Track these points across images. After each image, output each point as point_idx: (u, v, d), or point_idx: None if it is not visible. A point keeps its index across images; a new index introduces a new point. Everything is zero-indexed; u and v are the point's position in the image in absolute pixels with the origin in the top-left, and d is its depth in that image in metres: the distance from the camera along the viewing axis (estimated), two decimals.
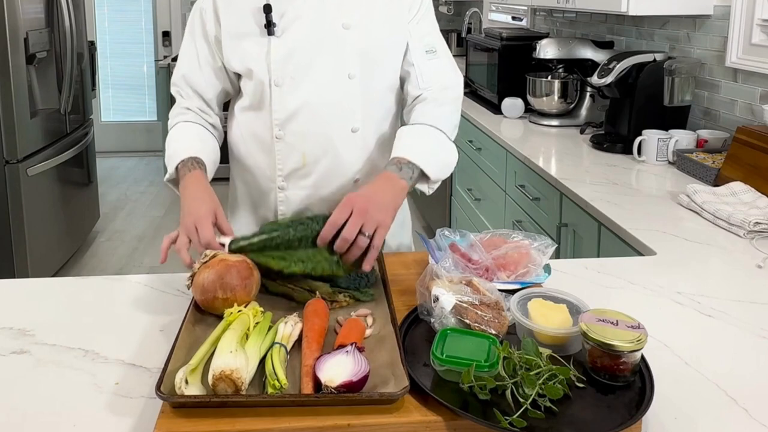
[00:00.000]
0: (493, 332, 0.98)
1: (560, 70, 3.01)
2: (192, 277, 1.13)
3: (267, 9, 1.37)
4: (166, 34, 6.25)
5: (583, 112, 3.01)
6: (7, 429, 0.88)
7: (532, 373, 0.87)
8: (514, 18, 4.32)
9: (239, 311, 1.02)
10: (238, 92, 1.51)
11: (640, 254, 1.58)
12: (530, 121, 3.07)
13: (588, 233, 1.96)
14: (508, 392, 0.86)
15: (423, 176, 1.36)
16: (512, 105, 3.17)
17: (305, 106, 1.40)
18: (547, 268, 1.22)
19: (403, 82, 1.50)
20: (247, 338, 0.97)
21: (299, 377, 0.92)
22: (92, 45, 4.43)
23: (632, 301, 1.27)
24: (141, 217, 4.81)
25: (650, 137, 2.29)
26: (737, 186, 1.85)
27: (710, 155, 2.15)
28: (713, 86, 2.40)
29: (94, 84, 4.41)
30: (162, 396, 0.85)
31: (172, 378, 0.89)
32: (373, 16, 1.42)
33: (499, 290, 1.08)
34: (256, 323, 1.00)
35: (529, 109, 3.13)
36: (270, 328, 1.01)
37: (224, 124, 1.54)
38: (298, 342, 1.00)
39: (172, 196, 5.20)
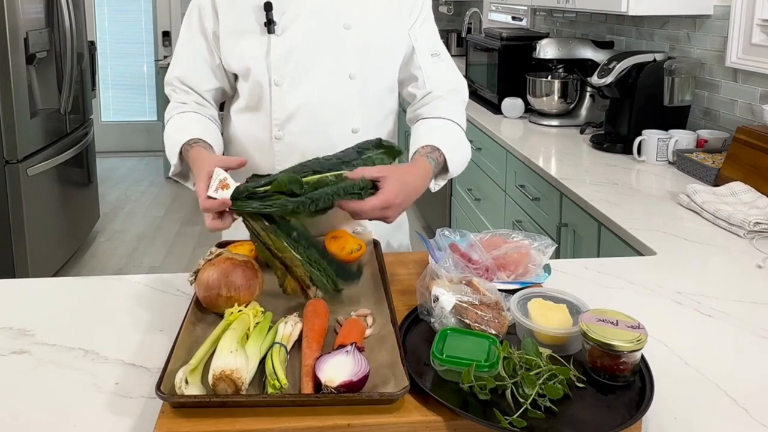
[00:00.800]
0: (493, 332, 0.98)
1: (560, 70, 3.01)
2: (195, 273, 1.13)
3: (267, 7, 1.36)
4: (166, 34, 6.25)
5: (583, 112, 3.01)
6: (7, 429, 0.88)
7: (532, 373, 0.87)
8: (514, 18, 4.32)
9: (240, 311, 1.02)
10: (235, 93, 1.49)
11: (640, 254, 1.58)
12: (530, 121, 3.07)
13: (588, 233, 1.96)
14: (508, 392, 0.86)
15: (443, 169, 1.39)
16: (512, 105, 3.17)
17: (305, 106, 1.39)
18: (547, 268, 1.22)
19: (406, 84, 1.50)
20: (247, 338, 0.97)
21: (299, 377, 0.92)
22: (92, 45, 4.43)
23: (632, 301, 1.27)
24: (141, 217, 4.81)
25: (650, 137, 2.29)
26: (737, 186, 1.85)
27: (710, 155, 2.15)
28: (713, 86, 2.40)
29: (94, 84, 4.41)
30: (162, 396, 0.85)
31: (172, 378, 0.89)
32: (374, 17, 1.42)
33: (499, 290, 1.08)
34: (257, 323, 1.00)
35: (529, 109, 3.13)
36: (270, 328, 1.01)
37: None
38: (298, 342, 1.00)
39: (172, 196, 5.21)
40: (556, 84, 2.98)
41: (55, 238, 3.64)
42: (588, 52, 2.92)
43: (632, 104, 2.49)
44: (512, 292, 1.08)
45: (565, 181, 2.11)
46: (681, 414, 0.92)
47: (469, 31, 4.77)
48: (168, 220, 4.76)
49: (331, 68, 1.39)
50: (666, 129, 2.35)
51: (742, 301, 1.28)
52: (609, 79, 2.45)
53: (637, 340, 0.91)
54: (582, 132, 2.79)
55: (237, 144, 1.49)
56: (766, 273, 1.42)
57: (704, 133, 2.29)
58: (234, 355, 0.89)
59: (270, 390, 0.88)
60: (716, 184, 1.93)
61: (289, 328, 1.01)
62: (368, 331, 1.04)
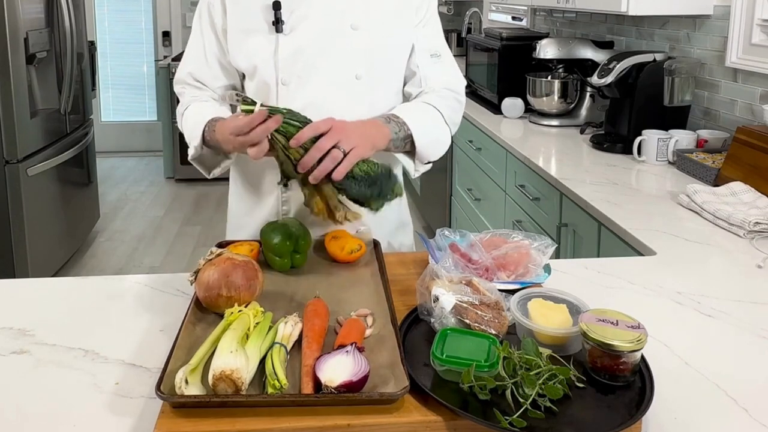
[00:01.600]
0: (493, 332, 0.98)
1: (560, 70, 3.01)
2: (196, 273, 1.13)
3: (276, 6, 1.37)
4: (166, 34, 6.25)
5: (583, 112, 3.01)
6: (7, 429, 0.88)
7: (532, 373, 0.87)
8: (514, 18, 4.32)
9: (240, 311, 1.02)
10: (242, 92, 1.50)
11: (640, 254, 1.58)
12: (530, 121, 3.07)
13: (588, 233, 1.96)
14: (508, 392, 0.86)
15: (411, 146, 1.37)
16: (512, 105, 3.17)
17: (312, 106, 1.38)
18: (547, 268, 1.22)
19: (405, 82, 1.50)
20: (247, 338, 0.97)
21: (299, 377, 0.92)
22: (92, 45, 4.43)
23: (632, 301, 1.27)
24: (141, 217, 4.81)
25: (650, 137, 2.29)
26: (737, 186, 1.85)
27: (710, 155, 2.15)
28: (713, 86, 2.40)
29: (94, 84, 4.41)
30: (162, 396, 0.85)
31: (172, 378, 0.89)
32: (382, 18, 1.42)
33: (499, 290, 1.08)
34: (257, 323, 1.00)
35: (529, 109, 3.13)
36: (270, 328, 1.01)
37: None
38: (298, 342, 1.00)
39: (172, 196, 5.21)
40: (556, 84, 2.98)
41: (55, 238, 3.64)
42: (588, 52, 2.92)
43: (632, 104, 2.49)
44: (512, 292, 1.08)
45: (565, 181, 2.11)
46: (681, 414, 0.92)
47: (469, 31, 4.77)
48: (168, 220, 4.76)
49: (338, 69, 1.39)
50: (666, 129, 2.35)
51: (742, 301, 1.28)
52: (609, 79, 2.45)
53: (637, 340, 0.91)
54: (582, 132, 2.79)
55: None
56: (766, 273, 1.42)
57: (704, 133, 2.29)
58: (234, 355, 0.89)
59: (270, 390, 0.88)
60: (716, 184, 1.93)
61: (289, 328, 1.01)
62: (368, 331, 1.04)
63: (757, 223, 1.61)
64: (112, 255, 4.15)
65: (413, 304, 1.11)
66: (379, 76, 1.44)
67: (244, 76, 1.47)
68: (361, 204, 1.22)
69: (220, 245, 1.30)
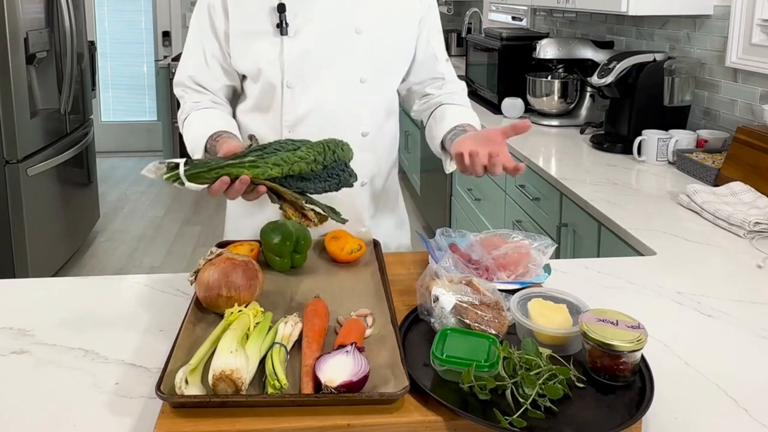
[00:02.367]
0: (493, 332, 0.98)
1: (560, 70, 3.01)
2: (196, 273, 1.13)
3: (281, 8, 1.36)
4: (166, 34, 6.25)
5: (583, 112, 3.01)
6: (7, 429, 0.88)
7: (532, 373, 0.87)
8: (514, 18, 4.31)
9: (240, 311, 1.02)
10: (242, 93, 1.50)
11: (640, 254, 1.58)
12: (530, 121, 3.07)
13: (588, 233, 1.96)
14: (508, 392, 0.86)
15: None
16: (512, 105, 3.17)
17: (316, 109, 1.39)
18: (547, 268, 1.22)
19: (425, 86, 1.54)
20: (247, 338, 0.97)
21: (299, 377, 0.92)
22: (92, 45, 4.43)
23: (632, 301, 1.27)
24: (141, 217, 4.81)
25: (650, 137, 2.29)
26: (737, 186, 1.85)
27: (710, 155, 2.15)
28: (713, 86, 2.40)
29: (94, 84, 4.41)
30: (162, 396, 0.85)
31: (172, 378, 0.89)
32: (385, 22, 1.43)
33: (499, 290, 1.08)
34: (256, 323, 1.00)
35: (529, 109, 3.13)
36: (270, 328, 1.01)
37: None
38: (298, 342, 1.00)
39: (172, 196, 5.21)
40: (556, 84, 2.98)
41: (55, 238, 3.64)
42: (588, 52, 2.92)
43: (632, 104, 2.49)
44: (512, 292, 1.08)
45: (565, 181, 2.11)
46: (681, 414, 0.92)
47: (469, 31, 4.77)
48: (168, 220, 4.76)
49: (342, 72, 1.40)
50: (666, 129, 2.35)
51: (742, 301, 1.28)
52: (609, 79, 2.45)
53: (637, 340, 0.91)
54: (582, 132, 2.79)
55: None
56: (766, 273, 1.42)
57: (704, 133, 2.29)
58: (234, 355, 0.89)
59: (270, 390, 0.88)
60: (716, 184, 1.93)
61: (289, 328, 1.01)
62: (368, 331, 1.04)
63: (757, 223, 1.61)
64: (112, 255, 4.15)
65: (413, 304, 1.11)
66: (382, 79, 1.45)
67: (244, 77, 1.46)
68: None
69: (220, 245, 1.30)
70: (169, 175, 1.10)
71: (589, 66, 2.89)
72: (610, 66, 2.47)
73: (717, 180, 1.98)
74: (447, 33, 5.18)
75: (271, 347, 0.95)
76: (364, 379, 0.88)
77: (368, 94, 1.42)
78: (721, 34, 2.34)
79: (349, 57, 1.40)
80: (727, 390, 0.98)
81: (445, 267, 1.14)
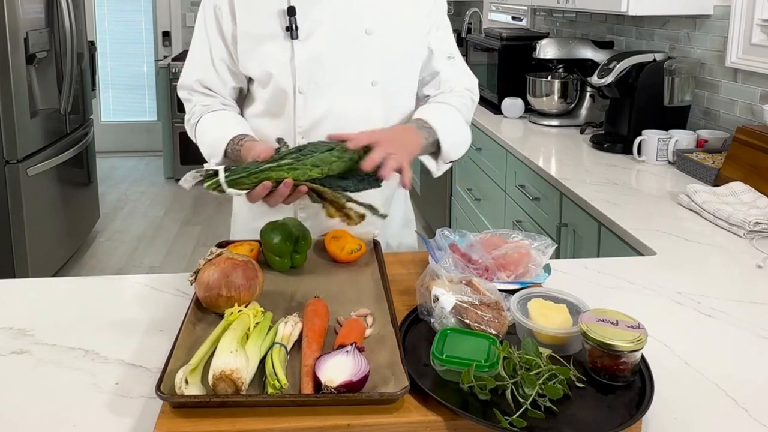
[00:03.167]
0: (493, 332, 0.98)
1: (560, 70, 3.01)
2: (196, 273, 1.13)
3: (291, 12, 1.33)
4: (166, 34, 6.25)
5: (583, 112, 3.01)
6: (7, 429, 0.88)
7: (532, 373, 0.87)
8: (514, 18, 4.31)
9: (240, 311, 1.02)
10: (248, 96, 1.47)
11: (640, 254, 1.58)
12: (530, 121, 3.07)
13: (588, 233, 1.96)
14: (508, 392, 0.86)
15: (437, 148, 1.38)
16: (512, 105, 3.17)
17: (329, 114, 1.37)
18: (547, 268, 1.22)
19: (422, 85, 1.51)
20: (247, 338, 0.97)
21: (299, 377, 0.92)
22: (92, 45, 4.43)
23: (632, 301, 1.27)
24: (141, 217, 4.81)
25: (650, 137, 2.29)
26: (737, 186, 1.85)
27: (710, 155, 2.15)
28: (713, 86, 2.40)
29: (94, 84, 4.41)
30: (162, 396, 0.85)
31: (172, 378, 0.89)
32: (395, 23, 1.40)
33: (499, 290, 1.08)
34: (257, 323, 1.00)
35: (529, 109, 3.13)
36: (270, 328, 1.01)
37: None
38: (298, 342, 1.00)
39: (172, 196, 5.21)
40: (556, 84, 2.98)
41: (55, 238, 3.64)
42: (588, 52, 2.92)
43: (632, 104, 2.49)
44: (512, 292, 1.08)
45: (565, 181, 2.11)
46: (681, 414, 0.92)
47: (469, 31, 4.77)
48: (168, 220, 4.76)
49: (354, 75, 1.37)
50: (666, 129, 2.35)
51: (742, 301, 1.28)
52: (609, 79, 2.45)
53: (637, 340, 0.91)
54: (582, 132, 2.79)
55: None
56: (766, 273, 1.42)
57: (704, 133, 2.29)
58: (234, 355, 0.89)
59: (270, 390, 0.88)
60: (716, 184, 1.93)
61: (289, 328, 1.01)
62: (368, 331, 1.04)
63: (757, 223, 1.61)
64: (112, 255, 4.15)
65: (413, 304, 1.11)
66: (395, 81, 1.42)
67: (251, 80, 1.43)
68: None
69: (220, 245, 1.30)
70: (209, 183, 1.11)
71: (589, 66, 2.89)
72: (610, 66, 2.48)
73: (717, 180, 1.98)
74: None
75: (271, 347, 0.95)
76: (364, 379, 0.88)
77: (380, 97, 1.40)
78: (721, 34, 2.34)
79: (360, 59, 1.37)
80: (727, 390, 0.98)
81: (445, 267, 1.14)
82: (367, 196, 1.20)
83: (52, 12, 3.59)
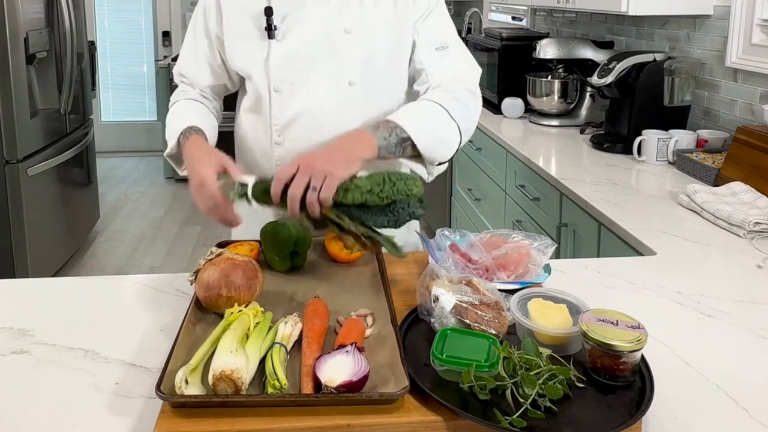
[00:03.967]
0: (493, 332, 0.98)
1: (560, 70, 3.01)
2: (196, 273, 1.13)
3: (268, 12, 1.35)
4: (166, 34, 6.25)
5: (583, 112, 3.01)
6: (7, 429, 0.88)
7: (532, 373, 0.87)
8: (514, 18, 4.31)
9: (240, 311, 1.02)
10: (240, 87, 1.51)
11: (640, 254, 1.58)
12: (530, 121, 3.07)
13: (588, 233, 1.96)
14: (508, 392, 0.86)
15: (414, 148, 1.28)
16: (512, 105, 3.17)
17: (304, 113, 1.37)
18: (547, 268, 1.22)
19: (412, 81, 1.46)
20: (247, 338, 0.97)
21: (299, 377, 0.92)
22: (92, 45, 4.43)
23: (632, 301, 1.27)
24: (141, 217, 4.81)
25: (650, 137, 2.29)
26: (737, 186, 1.85)
27: (710, 155, 2.15)
28: (713, 86, 2.40)
29: (94, 84, 4.41)
30: (162, 396, 0.85)
31: (172, 378, 0.89)
32: (376, 21, 1.38)
33: (499, 290, 1.08)
34: (257, 323, 1.00)
35: (529, 109, 3.13)
36: (270, 328, 1.01)
37: (225, 121, 1.55)
38: (298, 342, 1.00)
39: (172, 196, 5.21)
40: (556, 84, 2.98)
41: (55, 238, 3.64)
42: (588, 52, 2.92)
43: (632, 104, 2.49)
44: (512, 292, 1.08)
45: (565, 181, 2.11)
46: (681, 414, 0.92)
47: (469, 31, 4.77)
48: (168, 220, 4.76)
49: (330, 75, 1.37)
50: (666, 129, 2.35)
51: (742, 301, 1.28)
52: (609, 79, 2.45)
53: (637, 340, 0.91)
54: (582, 132, 2.79)
55: (244, 144, 1.50)
56: (766, 273, 1.42)
57: (704, 133, 2.29)
58: (234, 355, 0.89)
59: (270, 390, 0.88)
60: (716, 184, 1.93)
61: (289, 328, 1.01)
62: (368, 331, 1.04)
63: (757, 223, 1.61)
64: (112, 255, 4.15)
65: (413, 304, 1.11)
66: (375, 81, 1.39)
67: (242, 79, 1.47)
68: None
69: (220, 245, 1.30)
70: (236, 193, 1.17)
71: (589, 66, 2.89)
72: (610, 66, 2.47)
73: (717, 180, 1.98)
74: None
75: (271, 347, 0.95)
76: (364, 379, 0.88)
77: (358, 97, 1.38)
78: (721, 34, 2.34)
79: (337, 59, 1.36)
80: (727, 390, 0.98)
81: (445, 267, 1.14)
82: None
83: (52, 12, 3.59)
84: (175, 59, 5.55)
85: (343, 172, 1.14)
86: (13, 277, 3.20)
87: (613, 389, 0.91)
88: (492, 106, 3.36)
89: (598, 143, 2.54)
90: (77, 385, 0.97)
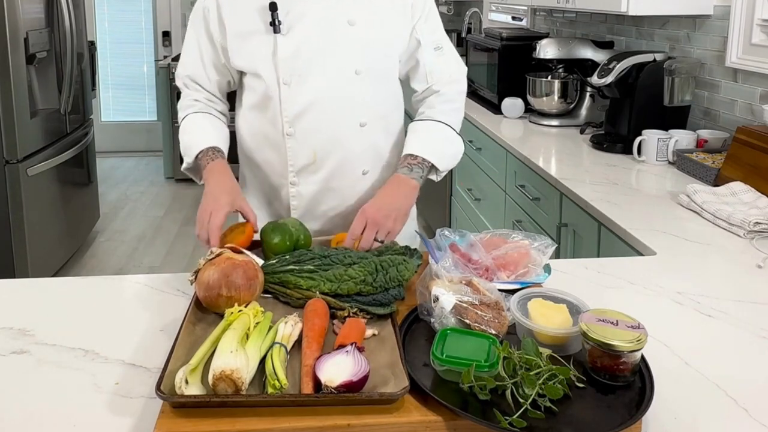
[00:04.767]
0: (493, 332, 0.98)
1: (560, 70, 3.01)
2: (196, 273, 1.13)
3: (272, 7, 1.38)
4: (166, 34, 6.25)
5: (583, 112, 3.01)
6: (7, 429, 0.88)
7: (532, 373, 0.87)
8: (514, 18, 4.31)
9: (240, 311, 1.02)
10: (239, 87, 1.53)
11: (640, 254, 1.58)
12: (530, 121, 3.07)
13: (588, 233, 1.96)
14: (508, 392, 0.86)
15: (433, 168, 1.47)
16: (512, 105, 3.17)
17: (314, 103, 1.42)
18: (547, 268, 1.22)
19: (409, 78, 1.54)
20: (247, 338, 0.97)
21: (299, 377, 0.92)
22: (92, 45, 4.43)
23: (632, 301, 1.27)
24: (141, 217, 4.81)
25: (650, 137, 2.29)
26: (737, 186, 1.85)
27: (710, 155, 2.15)
28: (713, 86, 2.40)
29: (94, 84, 4.41)
30: (162, 396, 0.85)
31: (172, 378, 0.89)
32: (378, 12, 1.45)
33: (499, 290, 1.08)
34: (257, 323, 1.00)
35: (529, 109, 3.13)
36: (270, 328, 1.01)
37: (231, 119, 1.57)
38: (298, 342, 1.00)
39: (172, 196, 5.21)
40: (556, 84, 2.98)
41: (55, 238, 3.64)
42: (588, 52, 2.92)
43: (632, 104, 2.48)
44: (512, 292, 1.08)
45: (565, 181, 2.11)
46: (681, 414, 0.92)
47: (469, 31, 4.77)
48: (168, 220, 4.76)
49: (337, 65, 1.42)
50: (666, 129, 2.35)
51: (742, 301, 1.28)
52: (609, 79, 2.45)
53: (637, 340, 0.91)
54: (582, 132, 2.79)
55: (250, 140, 1.53)
56: (766, 273, 1.42)
57: (704, 133, 2.29)
58: (234, 355, 0.89)
59: (270, 390, 0.88)
60: (716, 184, 1.93)
61: (289, 328, 1.01)
62: (368, 332, 1.04)
63: (757, 223, 1.61)
64: (112, 255, 4.15)
65: (413, 304, 1.11)
66: (378, 70, 1.47)
67: (242, 72, 1.49)
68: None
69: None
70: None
71: (589, 66, 2.89)
72: (610, 66, 2.47)
73: (717, 180, 1.98)
74: (447, 33, 5.17)
75: (271, 347, 0.95)
76: (364, 379, 0.88)
77: (365, 86, 1.44)
78: (721, 34, 2.34)
79: (343, 49, 1.42)
80: (727, 390, 0.98)
81: (445, 267, 1.14)
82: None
83: (52, 12, 3.59)
84: (175, 59, 5.55)
85: (401, 227, 1.37)
86: (13, 277, 3.20)
87: (613, 389, 0.91)
88: (492, 106, 3.36)
89: (598, 143, 2.54)
90: (77, 385, 0.97)
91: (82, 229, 4.10)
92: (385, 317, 1.09)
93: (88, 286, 1.34)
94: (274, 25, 1.38)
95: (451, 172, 3.83)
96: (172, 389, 0.87)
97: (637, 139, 2.32)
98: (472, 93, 3.67)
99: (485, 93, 3.52)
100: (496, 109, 3.27)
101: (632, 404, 0.88)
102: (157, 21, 6.26)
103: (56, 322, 1.15)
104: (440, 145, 1.48)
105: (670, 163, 2.28)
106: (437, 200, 3.90)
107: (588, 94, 2.99)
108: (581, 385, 0.90)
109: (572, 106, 3.01)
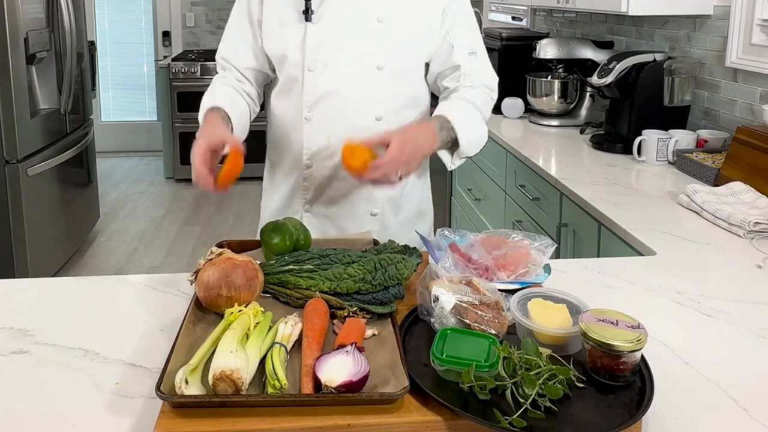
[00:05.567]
0: (493, 332, 0.98)
1: (560, 70, 3.01)
2: (196, 273, 1.13)
3: None
4: (166, 34, 6.25)
5: (583, 112, 3.01)
6: (7, 429, 0.88)
7: (532, 373, 0.87)
8: (514, 18, 4.31)
9: (240, 311, 1.02)
10: (275, 79, 1.58)
11: (640, 254, 1.58)
12: (530, 121, 3.07)
13: (588, 233, 1.96)
14: (508, 392, 0.86)
15: (454, 144, 1.45)
16: (512, 105, 3.17)
17: (334, 91, 1.47)
18: (547, 268, 1.22)
19: (443, 77, 1.56)
20: (247, 338, 0.97)
21: (299, 377, 0.92)
22: (92, 45, 4.43)
23: (632, 301, 1.27)
24: (141, 217, 4.81)
25: (650, 137, 2.29)
26: (737, 186, 1.85)
27: (710, 155, 2.15)
28: (713, 86, 2.40)
29: (94, 84, 4.41)
30: (162, 396, 0.85)
31: (172, 378, 0.89)
32: (409, 12, 1.48)
33: (499, 290, 1.08)
34: (257, 323, 1.00)
35: (529, 109, 3.13)
36: (270, 328, 1.01)
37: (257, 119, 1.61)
38: (298, 342, 1.00)
39: (172, 196, 5.21)
40: (556, 84, 2.98)
41: (55, 238, 3.64)
42: (588, 52, 2.92)
43: (632, 104, 2.48)
44: (512, 292, 1.08)
45: (565, 181, 2.11)
46: (681, 414, 0.92)
47: None
48: (168, 220, 4.76)
49: (360, 58, 1.47)
50: (666, 129, 2.35)
51: (742, 301, 1.28)
52: (609, 79, 2.45)
53: (637, 340, 0.91)
54: (582, 132, 2.79)
55: (275, 124, 1.59)
56: (766, 273, 1.42)
57: (704, 133, 2.29)
58: (234, 355, 0.89)
59: (270, 390, 0.88)
60: (716, 184, 1.93)
61: (289, 328, 1.01)
62: (368, 332, 1.04)
63: (757, 223, 1.61)
64: (112, 255, 4.15)
65: (413, 304, 1.11)
66: (403, 67, 1.50)
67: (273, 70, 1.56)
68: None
69: (220, 245, 1.30)
70: None
71: (589, 66, 2.89)
72: (610, 66, 2.47)
73: (717, 180, 1.98)
74: None
75: (271, 347, 0.95)
76: (364, 379, 0.88)
77: (386, 81, 1.48)
78: (721, 34, 2.34)
79: (368, 44, 1.46)
80: (727, 390, 0.98)
81: (445, 267, 1.14)
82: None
83: (52, 12, 3.59)
84: (175, 59, 5.56)
85: (415, 169, 1.37)
86: (13, 277, 3.20)
87: (613, 389, 0.91)
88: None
89: (598, 143, 2.54)
90: (77, 385, 0.97)
91: (82, 229, 4.10)
92: (385, 317, 1.09)
93: (88, 286, 1.34)
94: (307, 13, 1.44)
95: (451, 172, 3.82)
96: (172, 389, 0.87)
97: (637, 139, 2.32)
98: None
99: None
100: (496, 109, 3.27)
101: (632, 404, 0.88)
102: (157, 21, 6.26)
103: (56, 322, 1.15)
104: (469, 123, 1.47)
105: (670, 163, 2.28)
106: (437, 200, 3.90)
107: (588, 94, 2.99)
108: (581, 385, 0.90)
109: (572, 106, 3.01)
